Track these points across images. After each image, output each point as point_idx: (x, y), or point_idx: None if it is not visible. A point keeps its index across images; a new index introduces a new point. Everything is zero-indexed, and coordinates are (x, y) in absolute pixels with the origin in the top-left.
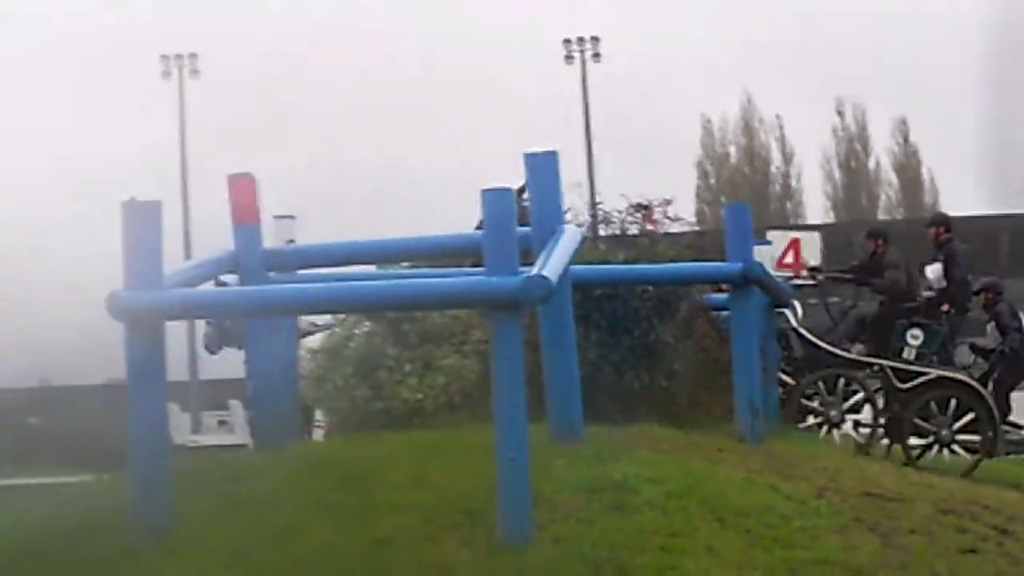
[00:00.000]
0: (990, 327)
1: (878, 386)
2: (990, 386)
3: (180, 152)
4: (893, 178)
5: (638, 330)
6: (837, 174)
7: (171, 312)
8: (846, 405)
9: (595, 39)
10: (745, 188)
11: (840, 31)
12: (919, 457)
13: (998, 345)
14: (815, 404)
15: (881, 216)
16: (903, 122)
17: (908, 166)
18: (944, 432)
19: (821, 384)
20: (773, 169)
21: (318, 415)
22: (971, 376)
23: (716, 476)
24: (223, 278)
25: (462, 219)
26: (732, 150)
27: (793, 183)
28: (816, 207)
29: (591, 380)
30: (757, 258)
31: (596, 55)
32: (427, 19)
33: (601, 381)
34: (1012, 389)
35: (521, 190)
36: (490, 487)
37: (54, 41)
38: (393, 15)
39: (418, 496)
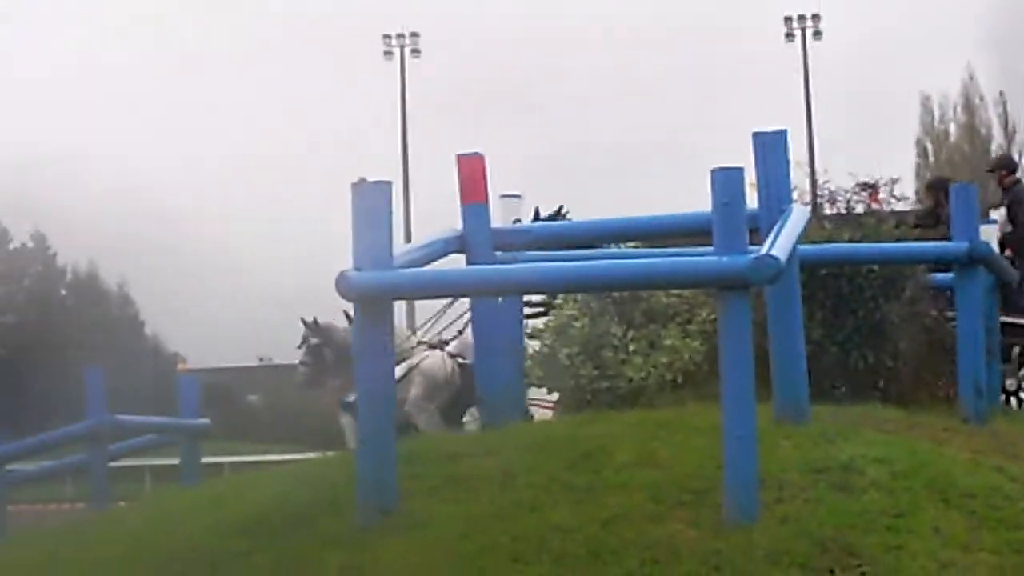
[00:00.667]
0: None
1: None
2: None
3: (401, 132)
4: None
5: (863, 309)
6: None
7: (400, 292)
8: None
9: (816, 17)
10: (965, 167)
11: None
12: None
13: None
14: None
15: None
16: None
17: None
18: None
19: None
20: (994, 147)
21: (533, 393)
22: None
23: (942, 457)
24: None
25: (685, 198)
26: (952, 128)
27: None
28: None
29: (815, 359)
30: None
31: (817, 33)
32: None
33: (825, 360)
34: None
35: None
36: (716, 466)
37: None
38: None
39: (645, 475)
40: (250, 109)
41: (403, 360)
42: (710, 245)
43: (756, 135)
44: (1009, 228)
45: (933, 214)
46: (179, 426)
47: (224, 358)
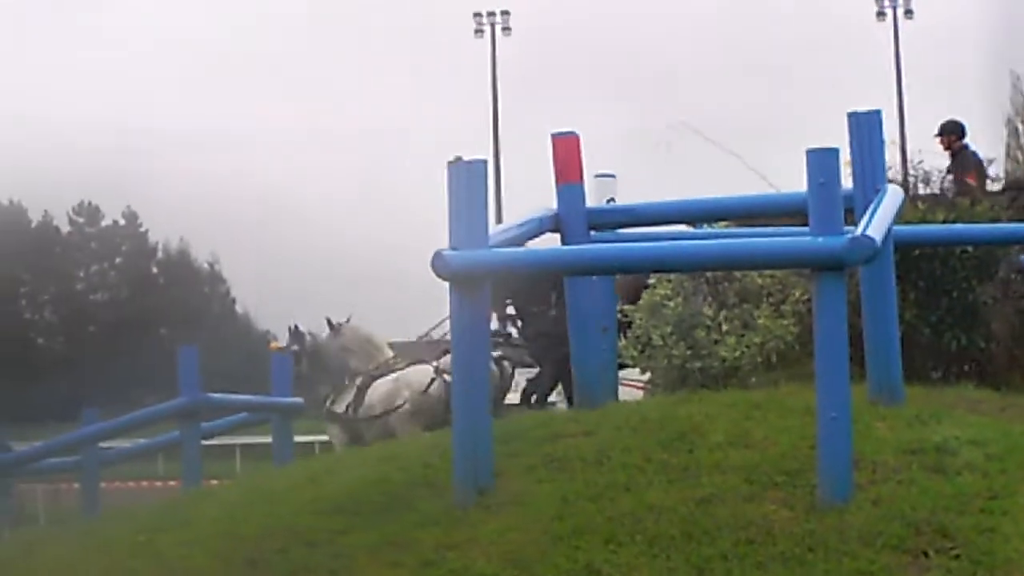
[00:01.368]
0: None
1: None
2: None
3: (492, 111)
4: None
5: (956, 291)
6: None
7: (495, 271)
8: None
9: None
10: None
11: None
12: None
13: None
14: None
15: None
16: None
17: None
18: None
19: None
20: None
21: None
22: None
23: None
24: None
25: (779, 178)
26: None
27: None
28: None
29: (908, 341)
30: None
31: (908, 12)
32: None
33: (918, 342)
34: None
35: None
36: (810, 447)
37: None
38: None
39: (739, 456)
40: (343, 89)
41: (389, 373)
42: (805, 225)
43: (851, 115)
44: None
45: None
46: (271, 404)
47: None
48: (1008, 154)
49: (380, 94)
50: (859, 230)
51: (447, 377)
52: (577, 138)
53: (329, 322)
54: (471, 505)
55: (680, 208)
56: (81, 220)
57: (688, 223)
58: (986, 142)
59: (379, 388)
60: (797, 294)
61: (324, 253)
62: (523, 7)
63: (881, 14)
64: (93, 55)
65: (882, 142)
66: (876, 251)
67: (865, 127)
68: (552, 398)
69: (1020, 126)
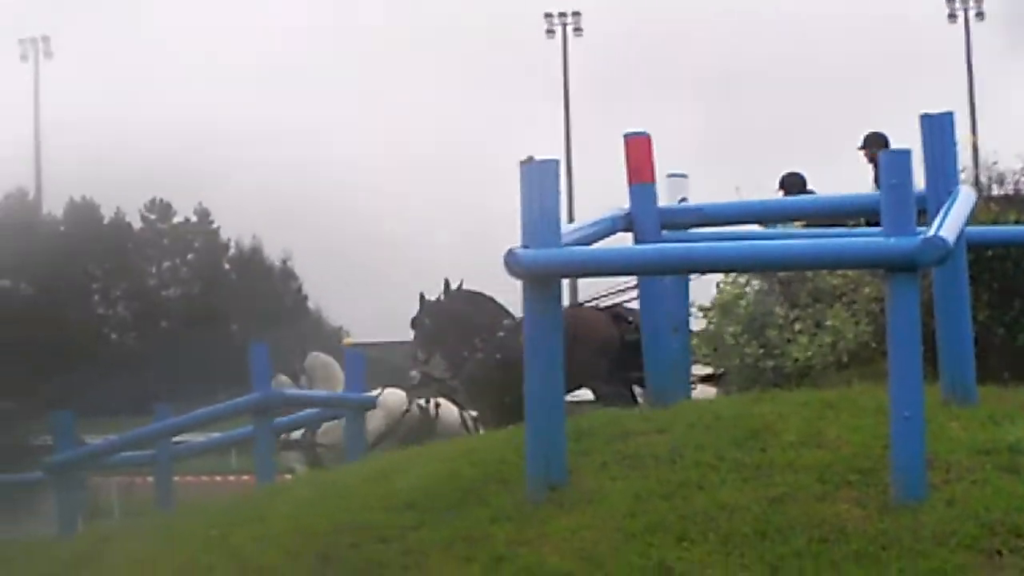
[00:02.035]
0: None
1: None
2: None
3: (564, 111)
4: None
5: None
6: None
7: (568, 270)
8: None
9: None
10: None
11: None
12: None
13: None
14: None
15: None
16: None
17: None
18: None
19: None
20: None
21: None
22: None
23: None
24: None
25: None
26: None
27: None
28: None
29: (981, 341)
30: None
31: (979, 14)
32: None
33: (991, 342)
34: None
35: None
36: (883, 446)
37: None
38: None
39: (812, 455)
40: (414, 89)
41: None
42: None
43: (924, 117)
44: None
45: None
46: (345, 400)
47: (386, 333)
48: None
49: (452, 94)
50: (932, 231)
51: (421, 403)
52: (649, 138)
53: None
54: (543, 501)
55: (752, 208)
56: (153, 217)
57: (760, 223)
58: None
59: None
60: (869, 292)
61: (397, 250)
62: (594, 8)
63: (952, 16)
64: (165, 52)
65: (954, 143)
66: (949, 252)
67: (937, 128)
68: None
69: None
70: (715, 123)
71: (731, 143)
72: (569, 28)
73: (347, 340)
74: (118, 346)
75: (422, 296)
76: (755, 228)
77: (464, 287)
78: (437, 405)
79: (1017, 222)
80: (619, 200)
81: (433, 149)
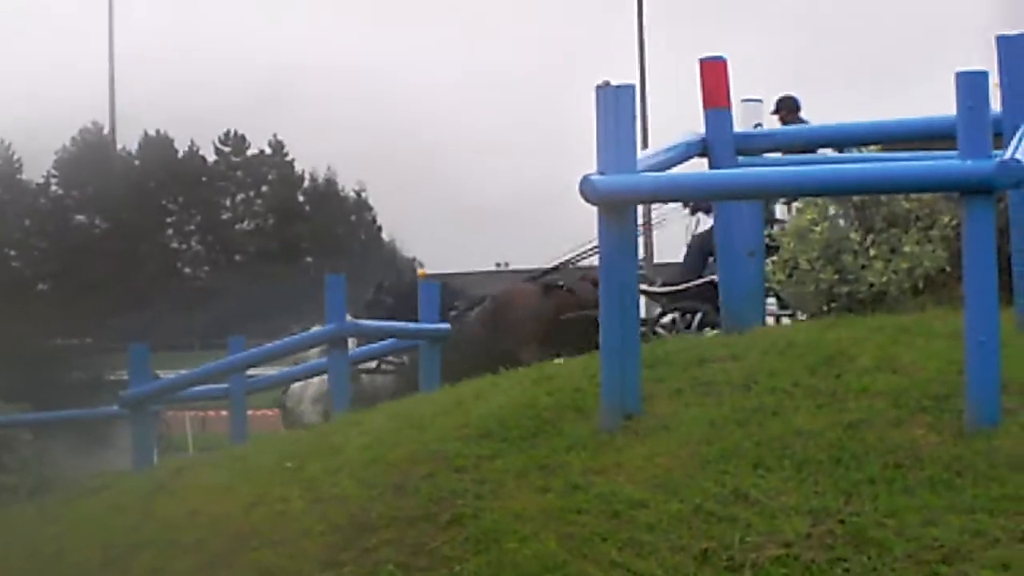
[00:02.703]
0: None
1: None
2: None
3: (637, 37)
4: None
5: None
6: None
7: (643, 196)
8: None
9: None
10: None
11: None
12: None
13: None
14: None
15: None
16: None
17: None
18: None
19: None
20: None
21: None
22: None
23: None
24: None
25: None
26: None
27: None
28: None
29: None
30: None
31: None
32: None
33: None
34: None
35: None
36: (958, 372)
37: None
38: None
39: (886, 380)
40: (487, 16)
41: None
42: (952, 150)
43: (1000, 39)
44: None
45: None
46: (420, 331)
47: (461, 264)
48: None
49: (526, 23)
50: (1008, 154)
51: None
52: (725, 63)
53: None
54: (618, 429)
55: (826, 132)
56: (227, 149)
57: (834, 148)
58: None
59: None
60: (946, 219)
61: (470, 180)
62: None
63: None
64: None
65: None
66: None
67: (1014, 50)
68: None
69: None
70: (790, 48)
71: (807, 69)
72: None
73: (422, 271)
74: (192, 280)
75: (380, 283)
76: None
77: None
78: None
79: None
80: (692, 127)
81: (507, 77)
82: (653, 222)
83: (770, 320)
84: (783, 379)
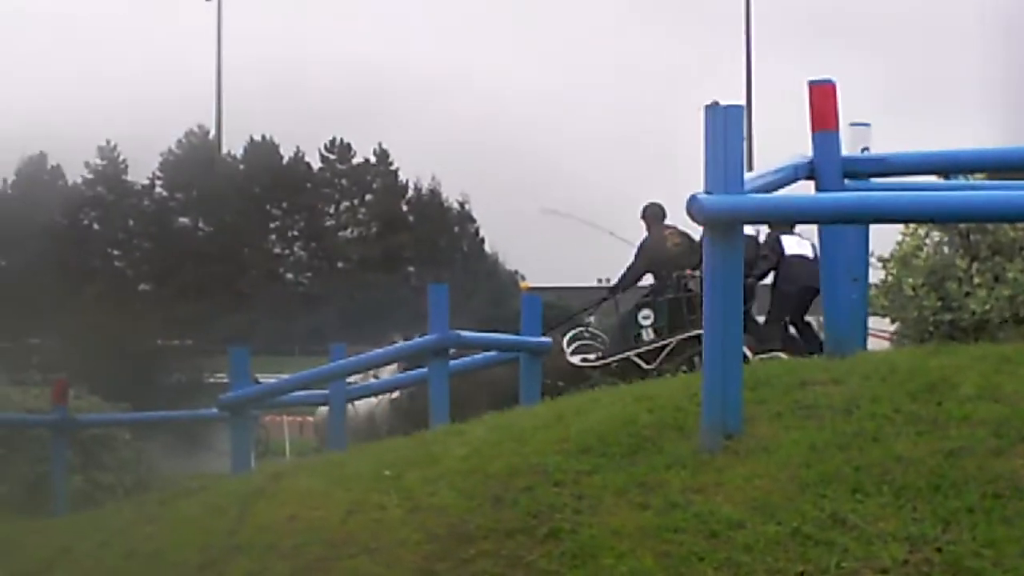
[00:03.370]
0: None
1: None
2: None
3: (745, 59)
4: None
5: None
6: None
7: (750, 216)
8: None
9: None
10: None
11: None
12: None
13: None
14: None
15: None
16: None
17: None
18: None
19: None
20: None
21: (874, 323)
22: None
23: None
24: None
25: None
26: None
27: None
28: None
29: None
30: None
31: None
32: None
33: None
34: None
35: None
36: None
37: None
38: None
39: (988, 409)
40: (594, 36)
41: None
42: None
43: None
44: None
45: None
46: (521, 344)
47: (563, 278)
48: None
49: (633, 40)
50: None
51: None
52: (834, 86)
53: None
54: (719, 450)
55: (935, 158)
56: (332, 157)
57: (941, 174)
58: None
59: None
60: None
61: (573, 194)
62: None
63: None
64: None
65: None
66: None
67: None
68: None
69: None
70: (897, 72)
71: (913, 94)
72: None
73: (524, 284)
74: (293, 286)
75: None
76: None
77: None
78: None
79: None
80: (796, 149)
81: (613, 95)
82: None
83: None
84: (884, 405)
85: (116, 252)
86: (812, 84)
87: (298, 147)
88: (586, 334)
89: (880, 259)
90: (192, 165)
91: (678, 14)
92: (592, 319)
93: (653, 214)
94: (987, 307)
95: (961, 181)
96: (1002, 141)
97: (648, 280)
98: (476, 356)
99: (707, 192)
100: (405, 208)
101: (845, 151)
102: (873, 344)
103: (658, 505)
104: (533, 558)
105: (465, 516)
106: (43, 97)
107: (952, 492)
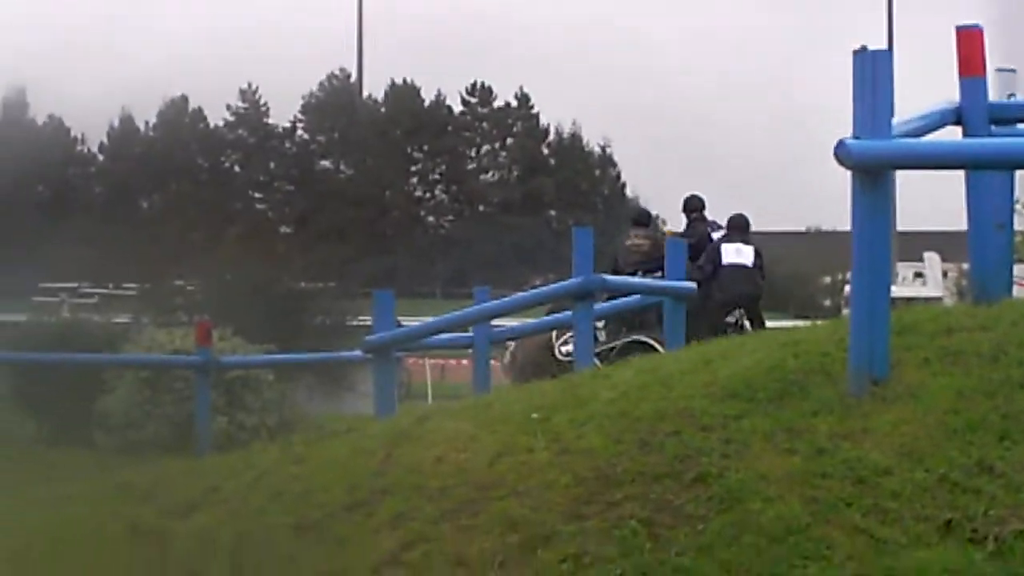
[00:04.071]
0: None
1: None
2: None
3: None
4: None
5: None
6: None
7: (898, 161)
8: None
9: None
10: None
11: None
12: None
13: None
14: None
15: None
16: None
17: None
18: None
19: None
20: None
21: (1017, 271)
22: None
23: None
24: None
25: None
26: None
27: None
28: None
29: None
30: None
31: None
32: None
33: None
34: None
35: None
36: None
37: None
38: None
39: None
40: None
41: None
42: None
43: None
44: None
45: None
46: (665, 288)
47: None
48: None
49: None
50: None
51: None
52: (981, 31)
53: None
54: (865, 395)
55: None
56: (474, 100)
57: None
58: None
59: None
60: None
61: (716, 140)
62: None
63: None
64: None
65: None
66: None
67: None
68: None
69: None
70: None
71: None
72: None
73: (669, 230)
74: (435, 229)
75: None
76: None
77: None
78: None
79: None
80: (937, 95)
81: (759, 39)
82: None
83: None
84: None
85: (258, 195)
86: (959, 29)
87: (439, 90)
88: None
89: None
90: (334, 108)
91: None
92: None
93: (634, 220)
94: None
95: None
96: None
97: None
98: (621, 300)
99: (855, 137)
100: (546, 151)
101: (992, 97)
102: (1018, 292)
103: (805, 450)
104: (680, 502)
105: (612, 459)
106: (185, 40)
107: None
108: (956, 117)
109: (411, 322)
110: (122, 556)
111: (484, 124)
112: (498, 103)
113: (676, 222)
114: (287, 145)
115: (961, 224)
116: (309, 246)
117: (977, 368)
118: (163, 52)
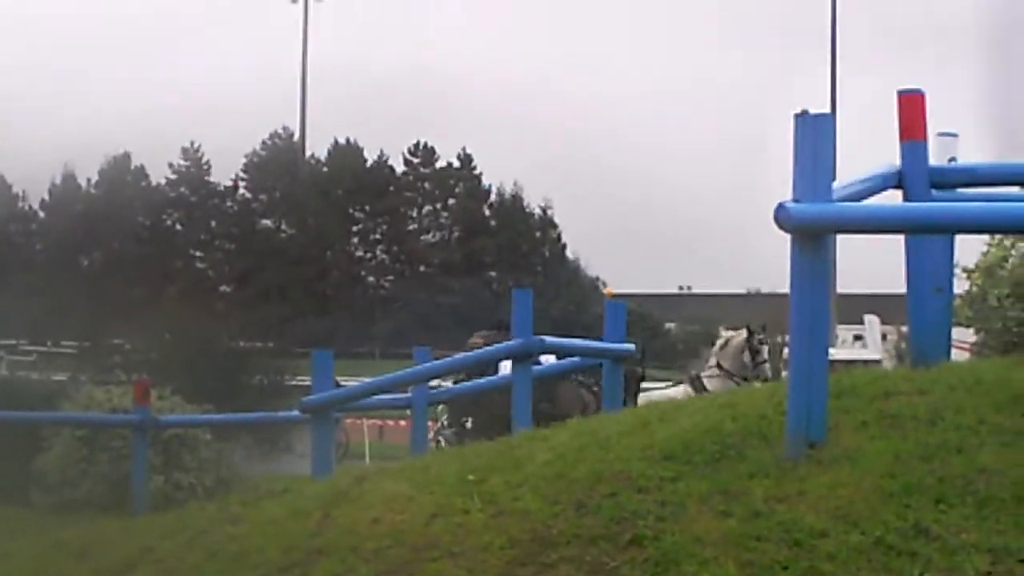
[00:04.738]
0: None
1: None
2: None
3: (830, 68)
4: None
5: None
6: None
7: (839, 225)
8: None
9: None
10: None
11: None
12: None
13: None
14: None
15: None
16: None
17: None
18: None
19: None
20: None
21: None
22: None
23: None
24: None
25: None
26: None
27: None
28: None
29: None
30: None
31: None
32: None
33: None
34: None
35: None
36: None
37: None
38: None
39: None
40: (677, 39)
41: None
42: None
43: None
44: None
45: None
46: (604, 350)
47: (644, 285)
48: None
49: (715, 50)
50: None
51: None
52: (923, 95)
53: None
54: (802, 458)
55: (1022, 169)
56: (416, 160)
57: None
58: None
59: None
60: None
61: (656, 203)
62: None
63: None
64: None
65: None
66: None
67: None
68: None
69: None
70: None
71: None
72: None
73: (609, 290)
74: (375, 289)
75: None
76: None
77: None
78: None
79: None
80: (876, 159)
81: (697, 102)
82: None
83: None
84: (969, 416)
85: (198, 253)
86: (901, 93)
87: (382, 150)
88: None
89: (965, 270)
90: (275, 167)
91: (763, 23)
92: None
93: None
94: None
95: None
96: None
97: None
98: (558, 362)
99: (795, 200)
100: (487, 212)
101: (933, 161)
102: (956, 355)
103: (741, 513)
104: (616, 564)
105: (548, 521)
106: (127, 98)
107: None
108: (897, 180)
109: (350, 382)
110: None
111: (426, 184)
112: (440, 163)
113: (617, 283)
114: (228, 204)
115: (901, 286)
116: (249, 305)
117: (914, 432)
118: (106, 109)
